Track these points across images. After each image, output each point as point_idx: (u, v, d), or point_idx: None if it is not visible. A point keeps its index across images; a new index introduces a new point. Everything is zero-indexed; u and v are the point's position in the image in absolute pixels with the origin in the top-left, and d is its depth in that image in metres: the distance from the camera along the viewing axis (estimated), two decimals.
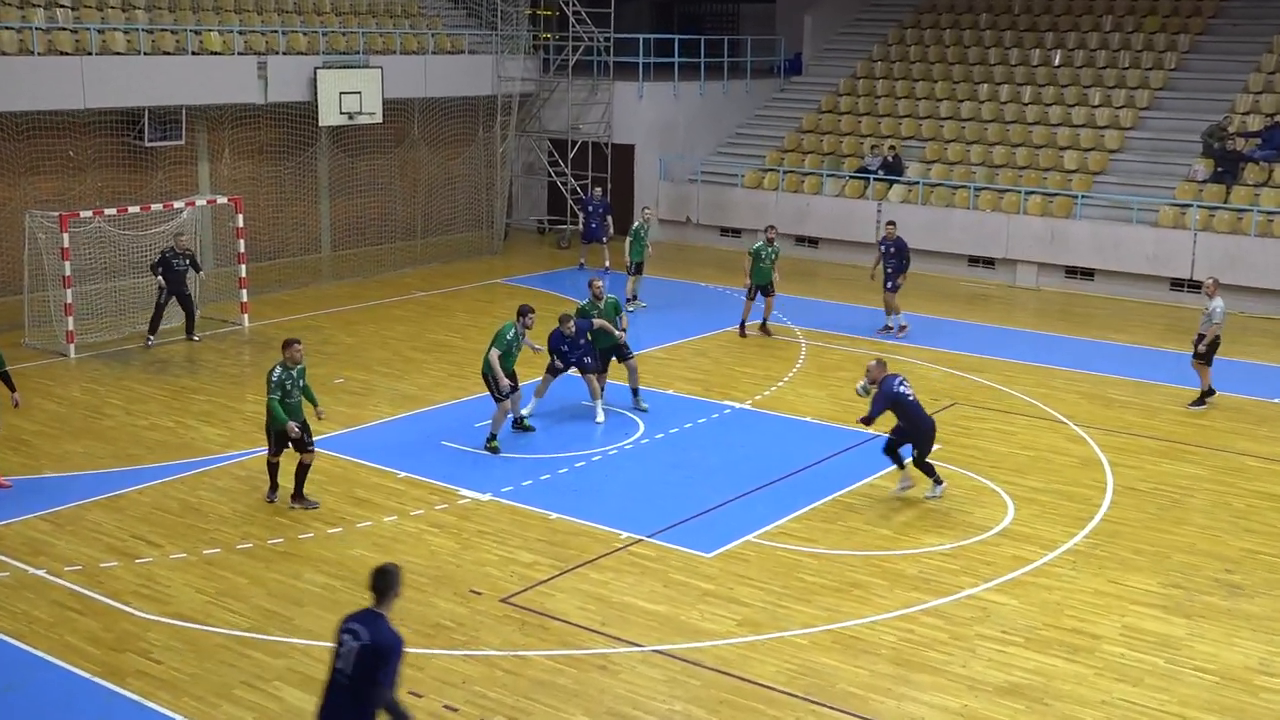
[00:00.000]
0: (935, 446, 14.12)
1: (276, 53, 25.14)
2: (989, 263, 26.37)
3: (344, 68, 25.60)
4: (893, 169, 27.91)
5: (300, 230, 26.64)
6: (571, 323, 16.22)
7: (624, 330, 16.92)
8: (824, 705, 9.91)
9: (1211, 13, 29.69)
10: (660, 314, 22.73)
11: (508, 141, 29.39)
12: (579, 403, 17.11)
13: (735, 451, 15.65)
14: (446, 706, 9.78)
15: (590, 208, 26.31)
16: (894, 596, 11.76)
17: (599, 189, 27.30)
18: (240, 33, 24.87)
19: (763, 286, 20.91)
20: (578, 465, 15.11)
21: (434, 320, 22.17)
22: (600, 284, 17.05)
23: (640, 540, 12.94)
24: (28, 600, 11.44)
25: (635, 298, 23.19)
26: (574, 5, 29.52)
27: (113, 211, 20.32)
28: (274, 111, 25.20)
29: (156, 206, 21.02)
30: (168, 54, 23.56)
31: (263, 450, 14.05)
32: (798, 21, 34.29)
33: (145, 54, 23.12)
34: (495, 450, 15.33)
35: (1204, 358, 17.46)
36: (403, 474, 14.68)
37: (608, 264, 25.72)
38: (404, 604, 11.24)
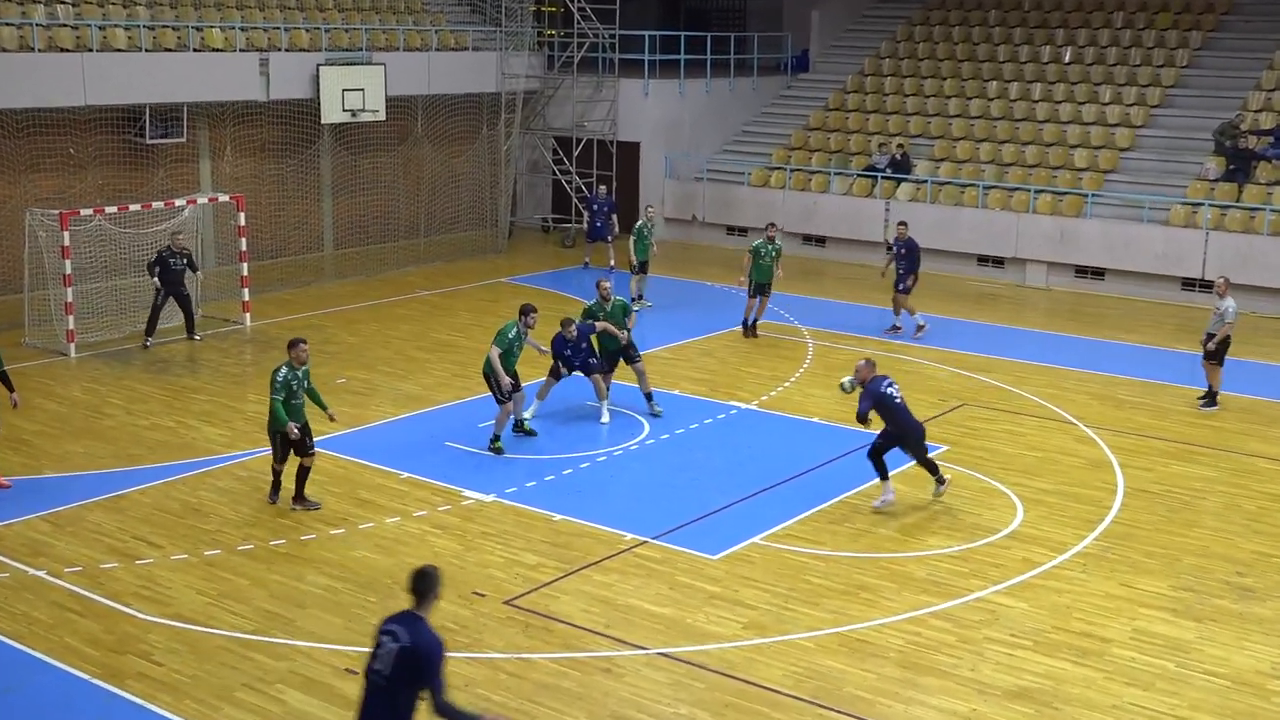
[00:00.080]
0: (942, 447, 13.99)
1: (278, 49, 25.07)
2: (998, 262, 26.23)
3: (347, 64, 25.51)
4: (901, 167, 27.77)
5: (302, 229, 26.56)
6: (573, 326, 16.11)
7: (628, 331, 16.73)
8: (830, 709, 9.83)
9: (1224, 9, 29.53)
10: (666, 313, 22.64)
11: (512, 139, 29.29)
12: (584, 403, 17.01)
13: (741, 452, 15.56)
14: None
15: (595, 206, 26.20)
16: (901, 599, 11.67)
17: (604, 187, 27.21)
18: (242, 29, 24.79)
19: (762, 286, 20.73)
20: (582, 466, 15.02)
21: (437, 320, 22.09)
22: (608, 285, 16.93)
23: (645, 542, 12.85)
24: (27, 601, 11.38)
25: (641, 296, 23.09)
26: (579, 1, 29.41)
27: (113, 209, 20.28)
28: (276, 109, 25.14)
29: (158, 204, 20.98)
30: (169, 51, 23.50)
31: (264, 451, 13.97)
32: (805, 18, 34.16)
33: (146, 51, 23.07)
34: (499, 451, 15.25)
35: (1215, 357, 17.32)
36: (406, 475, 14.61)
37: (613, 263, 25.63)
38: (406, 606, 11.20)
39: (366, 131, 26.82)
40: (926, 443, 13.87)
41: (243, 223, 21.51)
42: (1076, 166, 26.79)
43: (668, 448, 15.70)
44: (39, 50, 21.58)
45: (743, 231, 28.89)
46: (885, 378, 13.67)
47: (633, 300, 22.17)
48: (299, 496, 13.50)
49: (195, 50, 23.83)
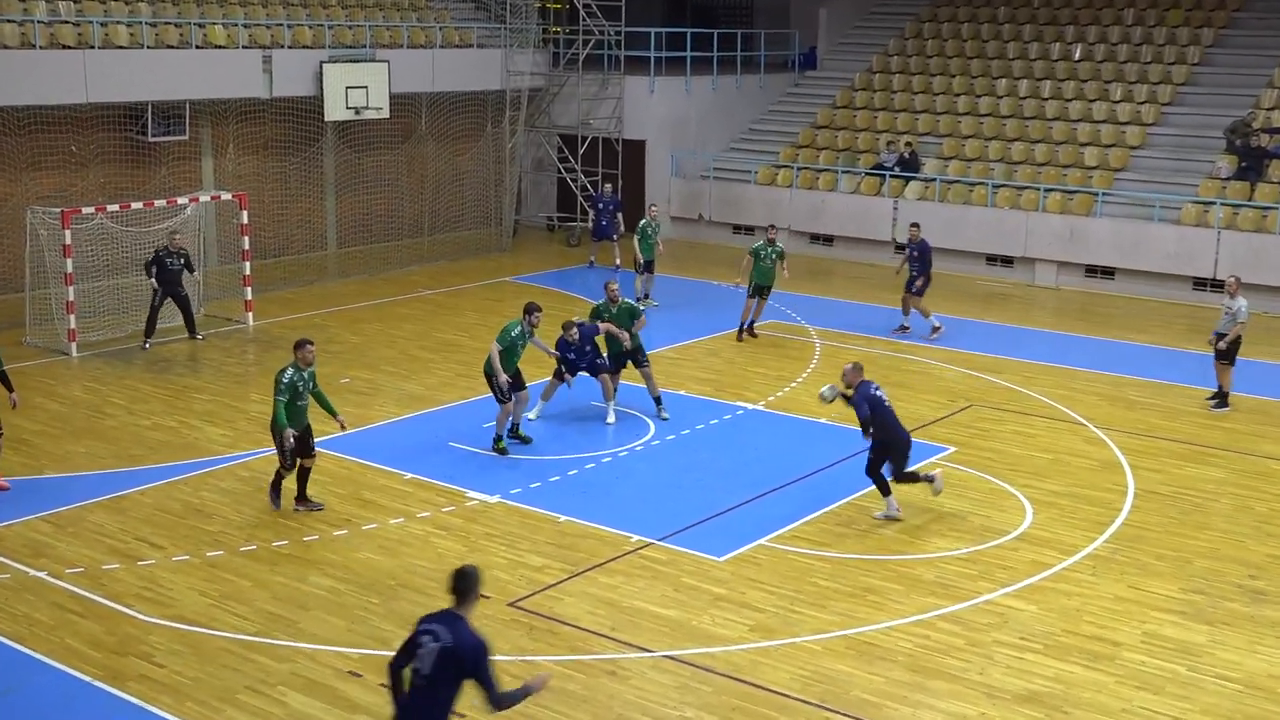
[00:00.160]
0: (950, 449, 13.85)
1: (281, 46, 25.01)
2: (1007, 261, 26.11)
3: (350, 61, 25.45)
4: (909, 165, 27.64)
5: (305, 227, 26.49)
6: (575, 329, 16.01)
7: (633, 334, 16.55)
8: (838, 713, 9.76)
9: (1236, 6, 29.39)
10: (672, 313, 22.55)
11: (516, 137, 29.22)
12: (589, 403, 16.93)
13: (747, 453, 15.46)
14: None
15: (600, 205, 26.10)
16: (910, 602, 11.59)
17: (609, 185, 27.10)
18: (245, 26, 24.72)
19: (761, 288, 20.57)
20: (587, 467, 14.94)
21: (441, 319, 22.02)
22: (615, 287, 16.78)
23: (651, 544, 12.77)
24: (28, 602, 11.33)
25: (647, 295, 22.99)
26: None
27: (115, 208, 20.21)
28: (279, 106, 25.08)
29: (160, 203, 20.92)
30: (171, 48, 23.44)
31: (266, 451, 13.89)
32: (812, 15, 34.06)
33: (148, 48, 23.01)
34: (503, 452, 15.16)
35: (1226, 357, 17.18)
36: (409, 475, 14.53)
37: (618, 262, 25.54)
38: (409, 607, 11.22)
39: (370, 129, 26.74)
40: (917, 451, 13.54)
41: (245, 221, 21.44)
42: (1086, 165, 26.66)
43: (673, 448, 15.61)
44: (40, 47, 21.53)
45: (749, 230, 28.77)
46: (872, 382, 13.42)
47: (638, 300, 22.07)
48: (301, 497, 13.41)
49: (198, 47, 23.77)
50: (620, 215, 26.01)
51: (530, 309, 15.21)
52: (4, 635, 10.69)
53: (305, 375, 13.00)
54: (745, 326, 20.77)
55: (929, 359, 19.63)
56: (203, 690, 9.91)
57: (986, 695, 10.02)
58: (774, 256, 20.50)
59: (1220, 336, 17.17)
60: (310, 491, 13.48)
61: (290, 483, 13.42)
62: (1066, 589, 11.89)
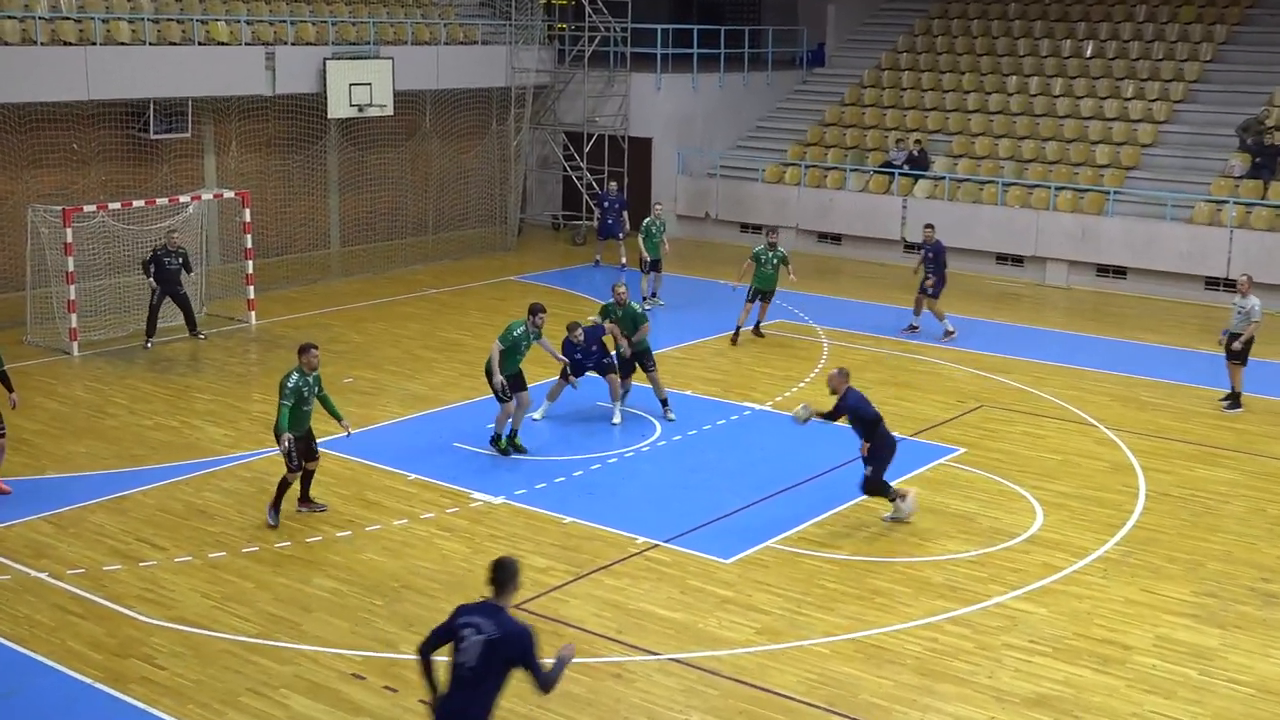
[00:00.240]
0: (959, 450, 13.73)
1: (285, 43, 24.96)
2: (1018, 260, 25.98)
3: (354, 58, 25.40)
4: (918, 163, 27.52)
5: (309, 225, 26.43)
6: (579, 330, 15.90)
7: (634, 341, 16.38)
8: (846, 716, 9.70)
9: (1249, 3, 29.22)
10: (678, 313, 22.47)
11: (521, 134, 29.14)
12: (594, 404, 16.83)
13: (754, 454, 15.37)
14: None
15: (606, 203, 26.00)
16: (918, 604, 11.51)
17: (615, 183, 27.00)
18: (248, 22, 24.65)
19: (763, 293, 20.37)
20: (593, 468, 14.85)
21: (445, 318, 21.94)
22: (623, 290, 16.59)
23: (656, 545, 12.69)
24: (29, 604, 11.29)
25: (655, 294, 22.87)
26: None
27: (117, 206, 20.19)
28: (282, 103, 25.03)
29: (162, 200, 20.87)
30: (173, 44, 23.40)
31: (269, 451, 13.82)
32: (821, 11, 33.94)
33: (150, 44, 22.97)
34: (506, 452, 15.06)
35: (1239, 358, 17.03)
36: (413, 476, 14.46)
37: (624, 261, 25.47)
38: (413, 609, 11.18)
39: (374, 126, 26.67)
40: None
41: (248, 219, 21.35)
42: (1098, 163, 26.52)
43: (680, 449, 15.52)
44: (41, 44, 21.49)
45: (756, 229, 28.62)
46: (855, 389, 13.24)
47: (643, 299, 21.93)
48: (304, 498, 13.33)
49: (200, 44, 23.72)
50: (626, 214, 25.92)
51: (535, 309, 15.08)
52: (5, 637, 10.65)
53: (310, 380, 12.87)
54: (744, 329, 20.50)
55: (938, 359, 19.52)
56: (205, 692, 9.86)
57: (995, 699, 9.95)
58: (775, 261, 20.26)
59: (1233, 336, 17.03)
60: (314, 492, 13.40)
61: (292, 492, 13.30)
62: (1077, 592, 11.80)
